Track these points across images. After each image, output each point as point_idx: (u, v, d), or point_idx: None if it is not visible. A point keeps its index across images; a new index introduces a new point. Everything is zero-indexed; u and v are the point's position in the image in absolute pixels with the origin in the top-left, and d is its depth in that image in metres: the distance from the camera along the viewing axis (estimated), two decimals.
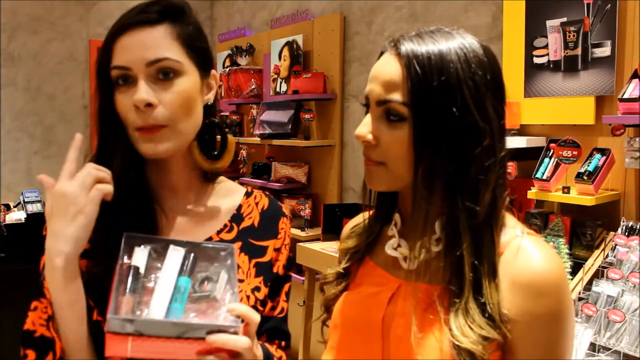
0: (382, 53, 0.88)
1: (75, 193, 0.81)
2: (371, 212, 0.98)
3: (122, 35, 0.90)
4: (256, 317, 0.81)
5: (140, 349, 0.75)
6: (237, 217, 1.04)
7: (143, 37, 0.90)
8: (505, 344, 0.79)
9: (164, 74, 0.90)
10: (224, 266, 0.86)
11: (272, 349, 1.00)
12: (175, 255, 0.84)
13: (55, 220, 0.81)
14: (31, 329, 0.86)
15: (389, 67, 0.83)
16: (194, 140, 0.97)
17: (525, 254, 0.81)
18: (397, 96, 0.81)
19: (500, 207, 0.84)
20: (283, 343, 1.04)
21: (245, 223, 1.03)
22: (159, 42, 0.90)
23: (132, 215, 0.92)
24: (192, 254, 0.85)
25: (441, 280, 0.83)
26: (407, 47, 0.82)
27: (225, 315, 0.80)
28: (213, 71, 1.00)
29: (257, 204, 1.07)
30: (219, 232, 1.01)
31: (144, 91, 0.88)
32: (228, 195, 1.06)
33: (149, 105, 0.88)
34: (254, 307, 0.96)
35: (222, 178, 1.08)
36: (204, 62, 0.97)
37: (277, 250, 1.04)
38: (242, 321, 0.79)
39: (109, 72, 0.91)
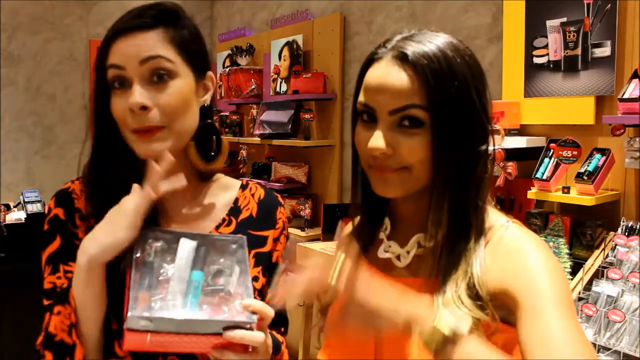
0: (374, 59, 0.87)
1: (131, 212, 0.86)
2: (353, 222, 0.99)
3: (118, 39, 0.92)
4: (271, 313, 0.84)
5: (158, 343, 0.78)
6: (234, 210, 1.05)
7: (138, 40, 0.92)
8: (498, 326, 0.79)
9: (158, 77, 0.91)
10: (236, 259, 0.87)
11: (278, 335, 1.03)
12: (187, 248, 0.84)
13: (101, 224, 0.87)
14: (52, 332, 0.87)
15: (399, 76, 0.82)
16: (191, 140, 0.98)
17: (510, 239, 0.82)
18: (415, 101, 0.81)
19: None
20: (282, 329, 1.07)
21: (243, 215, 1.05)
22: (153, 44, 0.92)
23: None
24: (204, 247, 0.85)
25: (432, 273, 0.84)
26: (414, 53, 0.82)
27: (240, 309, 0.81)
28: (209, 73, 1.01)
29: (253, 195, 1.08)
30: (217, 227, 1.02)
31: (138, 94, 0.89)
32: (224, 190, 1.07)
33: (144, 108, 0.89)
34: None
35: (218, 175, 1.09)
36: (199, 65, 0.98)
37: (277, 240, 1.07)
38: (257, 316, 0.82)
39: (106, 74, 0.93)
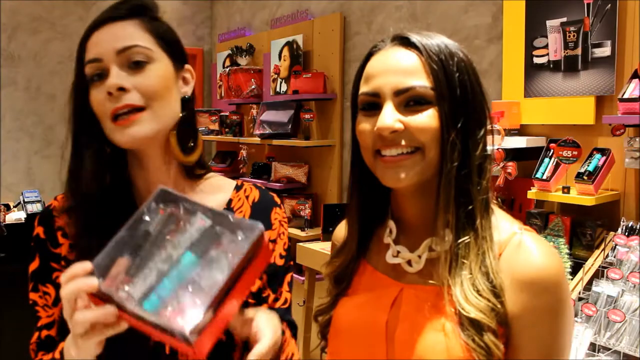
0: (373, 53, 0.90)
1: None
2: (347, 226, 0.98)
3: (94, 32, 0.93)
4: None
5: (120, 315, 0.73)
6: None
7: (113, 30, 0.93)
8: (507, 335, 0.81)
9: (136, 63, 0.91)
10: (231, 249, 0.75)
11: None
12: (197, 226, 0.76)
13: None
14: None
15: (400, 57, 0.85)
16: (172, 130, 0.96)
17: (525, 251, 0.82)
18: (421, 81, 0.83)
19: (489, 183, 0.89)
20: (289, 332, 1.03)
21: None
22: (129, 33, 0.93)
23: (115, 216, 0.91)
24: (216, 229, 0.76)
25: (444, 277, 0.83)
26: (416, 38, 0.85)
27: (189, 316, 0.70)
28: (188, 66, 1.01)
29: (247, 197, 1.06)
30: None
31: (115, 76, 0.89)
32: (217, 190, 1.05)
33: (122, 90, 0.89)
34: (245, 301, 0.95)
35: (211, 174, 1.07)
36: (176, 53, 0.98)
37: (273, 241, 1.04)
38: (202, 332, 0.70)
39: (84, 70, 0.93)
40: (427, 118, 0.82)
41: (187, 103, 0.99)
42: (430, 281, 0.85)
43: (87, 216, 0.93)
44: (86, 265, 0.72)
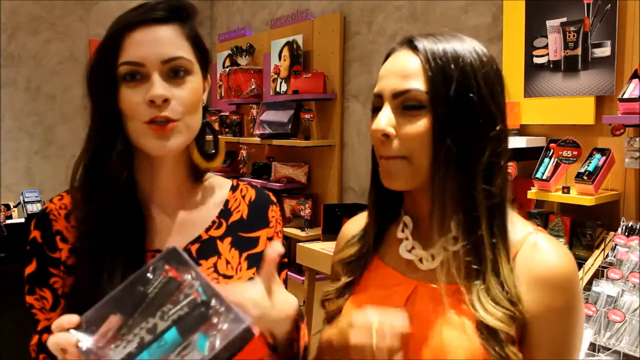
0: (389, 55, 0.90)
1: None
2: (367, 218, 0.98)
3: (132, 32, 0.90)
4: None
5: None
6: (225, 212, 1.03)
7: (156, 34, 0.90)
8: (523, 334, 0.81)
9: (175, 72, 0.91)
10: (208, 343, 0.72)
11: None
12: (190, 299, 0.73)
13: None
14: None
15: (405, 61, 0.85)
16: (194, 140, 0.97)
17: (541, 250, 0.84)
18: (416, 84, 0.83)
19: (508, 191, 0.88)
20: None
21: (234, 217, 1.03)
22: (173, 41, 0.91)
23: (121, 218, 0.91)
24: (210, 306, 0.72)
25: (459, 278, 0.83)
26: (422, 43, 0.85)
27: None
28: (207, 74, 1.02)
29: (243, 196, 1.06)
30: (207, 230, 1.00)
31: (160, 86, 0.88)
32: (217, 190, 1.06)
33: (165, 100, 0.89)
34: None
35: (209, 174, 1.08)
36: (206, 64, 0.99)
37: (270, 239, 1.04)
38: None
39: (116, 68, 0.90)
40: (417, 127, 0.82)
41: (205, 110, 0.99)
42: (440, 282, 0.85)
43: (92, 215, 0.92)
44: (72, 319, 0.72)
